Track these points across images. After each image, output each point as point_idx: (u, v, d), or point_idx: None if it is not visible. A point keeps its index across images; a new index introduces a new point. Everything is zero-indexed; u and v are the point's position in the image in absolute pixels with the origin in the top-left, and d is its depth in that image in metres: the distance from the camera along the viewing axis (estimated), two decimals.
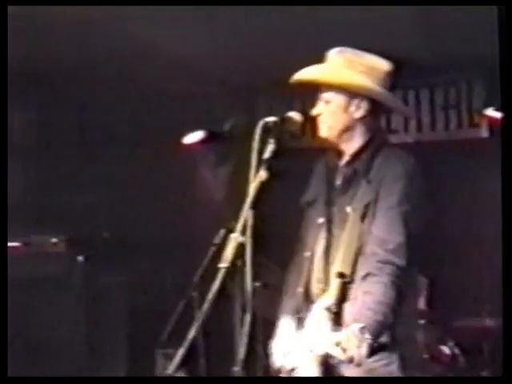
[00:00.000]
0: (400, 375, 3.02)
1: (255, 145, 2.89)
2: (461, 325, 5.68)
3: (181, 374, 2.75)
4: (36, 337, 5.70)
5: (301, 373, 3.05)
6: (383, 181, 3.08)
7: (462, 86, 6.57)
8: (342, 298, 3.03)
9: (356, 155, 3.20)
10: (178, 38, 5.21)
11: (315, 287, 3.18)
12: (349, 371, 2.98)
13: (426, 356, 5.12)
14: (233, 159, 6.85)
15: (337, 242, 3.12)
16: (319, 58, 3.23)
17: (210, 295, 2.69)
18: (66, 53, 5.41)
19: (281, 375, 3.17)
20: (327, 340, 2.87)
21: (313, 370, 3.00)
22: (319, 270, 3.18)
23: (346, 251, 3.05)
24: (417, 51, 5.58)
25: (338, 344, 2.81)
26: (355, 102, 3.16)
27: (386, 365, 3.03)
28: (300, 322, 3.17)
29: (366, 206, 3.06)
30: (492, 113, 6.17)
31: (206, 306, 2.69)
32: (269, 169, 2.86)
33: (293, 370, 3.10)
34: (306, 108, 3.24)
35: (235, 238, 2.75)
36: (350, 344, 2.80)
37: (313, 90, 3.25)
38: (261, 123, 2.96)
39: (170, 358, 4.28)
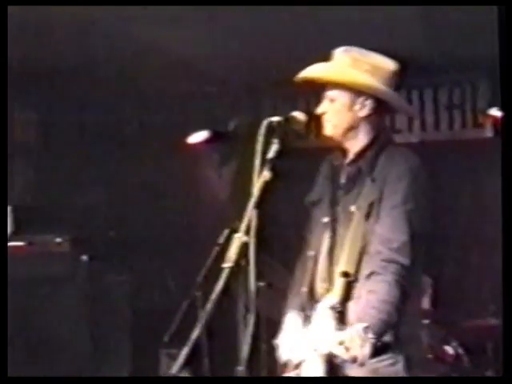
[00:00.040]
0: (405, 375, 3.02)
1: (259, 145, 2.89)
2: (465, 325, 5.67)
3: (185, 374, 2.75)
4: (40, 336, 5.70)
5: (307, 367, 3.06)
6: (387, 179, 3.08)
7: (467, 85, 6.57)
8: (347, 296, 3.03)
9: (360, 154, 3.20)
10: (181, 38, 5.21)
11: (319, 287, 3.18)
12: (353, 371, 2.98)
13: (430, 356, 5.11)
14: (237, 159, 6.85)
15: (341, 242, 3.11)
16: (322, 58, 3.23)
17: (214, 295, 2.69)
18: (68, 53, 5.41)
19: (287, 369, 3.17)
20: (331, 339, 2.87)
21: (317, 369, 3.00)
22: (323, 269, 3.18)
23: (351, 250, 3.05)
24: (421, 51, 5.58)
25: (341, 343, 2.82)
26: (360, 100, 3.16)
27: (391, 365, 3.02)
28: (306, 318, 3.17)
29: (371, 205, 3.06)
30: (496, 113, 6.16)
31: (209, 305, 2.70)
32: (273, 169, 2.87)
33: (299, 364, 3.10)
34: (310, 108, 3.24)
35: (239, 238, 2.75)
36: (354, 343, 2.81)
37: (317, 90, 3.25)
38: (265, 123, 2.96)
39: (173, 357, 4.28)
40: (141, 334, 6.22)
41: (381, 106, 3.19)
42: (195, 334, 2.71)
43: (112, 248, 6.27)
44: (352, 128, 3.19)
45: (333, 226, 3.19)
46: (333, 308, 3.00)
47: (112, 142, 6.87)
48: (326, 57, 3.23)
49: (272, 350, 3.32)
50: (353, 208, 3.10)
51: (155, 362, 5.48)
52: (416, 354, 3.15)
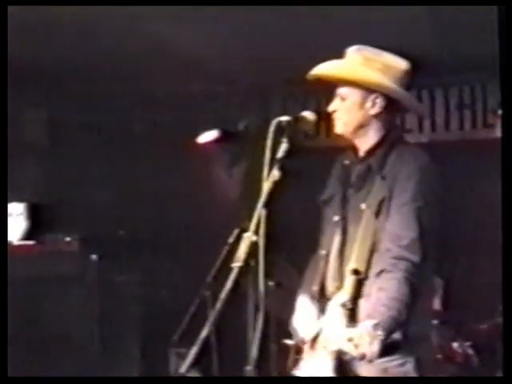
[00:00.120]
0: (415, 375, 3.02)
1: (269, 144, 2.89)
2: (474, 325, 5.65)
3: (194, 374, 2.75)
4: (49, 335, 5.71)
5: (315, 364, 3.05)
6: (397, 177, 3.08)
7: (477, 85, 6.55)
8: (357, 294, 3.03)
9: (370, 151, 3.21)
10: (191, 37, 5.21)
11: (330, 285, 3.19)
12: (362, 368, 2.99)
13: (439, 356, 5.10)
14: (246, 158, 6.85)
15: (352, 240, 3.12)
16: (332, 57, 3.23)
17: (223, 294, 2.69)
18: (78, 52, 5.41)
19: (302, 347, 3.18)
20: (341, 336, 2.87)
21: (326, 365, 3.00)
22: (334, 267, 3.19)
23: (361, 248, 3.05)
24: (431, 50, 5.56)
25: (350, 340, 2.82)
26: (371, 98, 3.17)
27: (401, 365, 3.02)
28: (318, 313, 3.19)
29: (380, 203, 3.07)
30: None
31: (219, 305, 2.69)
32: (282, 168, 2.87)
33: (314, 340, 3.11)
34: (320, 107, 3.25)
35: (248, 238, 2.74)
36: (363, 341, 2.80)
37: (327, 89, 3.25)
38: (274, 122, 2.96)
39: (183, 357, 4.29)
40: (150, 333, 6.23)
41: (392, 105, 3.19)
42: (204, 333, 2.71)
43: (121, 247, 6.28)
44: (362, 126, 3.20)
45: (343, 224, 3.20)
46: (343, 305, 3.01)
47: (122, 141, 6.89)
48: (337, 56, 3.23)
49: (281, 349, 3.32)
50: (363, 206, 3.10)
51: (165, 362, 5.48)
52: (426, 354, 3.14)
